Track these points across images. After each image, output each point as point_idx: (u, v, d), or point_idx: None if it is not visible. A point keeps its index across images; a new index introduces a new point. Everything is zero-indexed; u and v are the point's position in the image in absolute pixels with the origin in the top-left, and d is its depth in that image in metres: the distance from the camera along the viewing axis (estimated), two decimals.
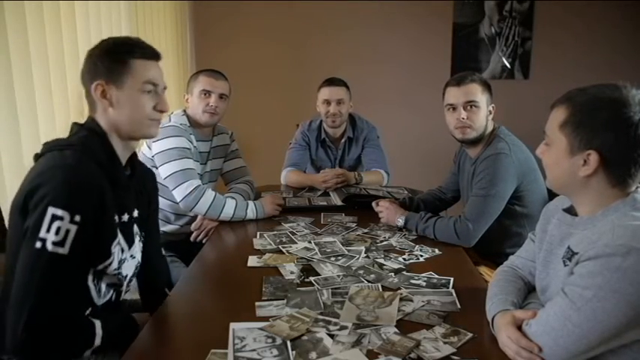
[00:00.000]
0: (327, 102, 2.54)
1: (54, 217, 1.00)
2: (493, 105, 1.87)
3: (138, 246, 1.30)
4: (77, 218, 1.02)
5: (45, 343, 1.01)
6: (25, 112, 1.62)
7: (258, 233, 1.82)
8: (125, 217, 1.21)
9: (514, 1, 3.78)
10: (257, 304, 1.26)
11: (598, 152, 1.01)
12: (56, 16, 1.81)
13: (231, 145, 2.33)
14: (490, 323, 1.13)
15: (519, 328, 1.04)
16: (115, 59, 1.17)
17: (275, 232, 1.83)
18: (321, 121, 2.68)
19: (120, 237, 1.19)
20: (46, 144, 1.16)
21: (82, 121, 1.22)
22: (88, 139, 1.15)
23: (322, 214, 2.07)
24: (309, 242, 1.72)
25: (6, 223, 1.40)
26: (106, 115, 1.18)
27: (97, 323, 1.10)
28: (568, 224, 1.11)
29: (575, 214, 1.12)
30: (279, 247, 1.68)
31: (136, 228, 1.28)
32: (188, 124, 2.07)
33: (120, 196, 1.18)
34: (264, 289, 1.35)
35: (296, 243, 1.72)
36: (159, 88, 1.23)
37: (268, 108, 3.93)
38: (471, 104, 1.82)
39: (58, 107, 1.82)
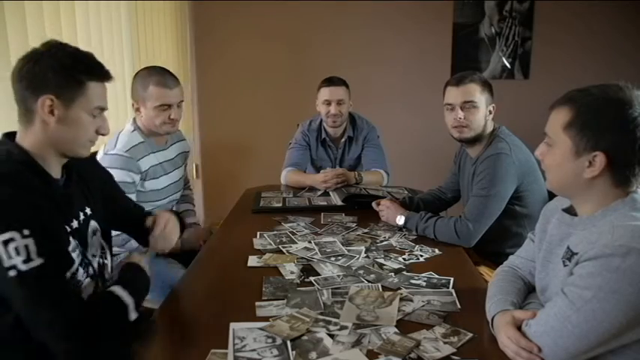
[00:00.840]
0: (328, 102, 2.54)
1: (5, 243, 0.97)
2: (493, 105, 1.87)
3: (94, 243, 1.27)
4: (26, 232, 0.98)
5: (90, 337, 1.02)
6: None
7: (258, 233, 1.82)
8: (75, 224, 1.18)
9: (514, 1, 3.77)
10: (257, 304, 1.26)
11: (605, 153, 1.00)
12: (56, 16, 1.81)
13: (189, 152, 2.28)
14: (490, 323, 1.13)
15: (519, 328, 1.04)
16: (71, 77, 1.10)
17: (275, 232, 1.83)
18: (321, 120, 2.68)
19: (74, 243, 1.15)
20: None
21: None
22: (2, 164, 1.07)
23: (322, 214, 2.07)
24: (309, 242, 1.72)
25: None
26: (44, 130, 1.11)
27: (116, 289, 1.11)
28: (567, 224, 1.11)
29: (575, 214, 1.12)
30: (279, 247, 1.68)
31: (92, 225, 1.25)
32: (141, 139, 1.93)
33: (60, 207, 1.13)
34: (264, 289, 1.35)
35: (296, 243, 1.72)
36: (104, 112, 1.20)
37: (268, 108, 3.93)
38: (468, 104, 1.82)
39: None
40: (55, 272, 1.03)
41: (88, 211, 1.24)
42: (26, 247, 0.98)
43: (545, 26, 3.78)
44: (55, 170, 1.16)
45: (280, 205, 2.20)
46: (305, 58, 3.87)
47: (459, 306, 1.26)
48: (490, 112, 1.86)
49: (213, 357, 1.03)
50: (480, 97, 1.83)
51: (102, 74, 1.16)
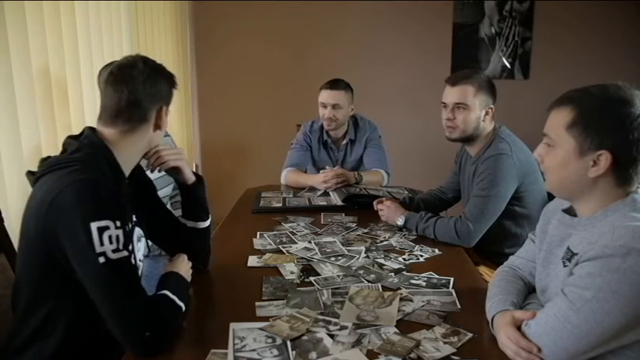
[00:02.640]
0: (324, 105, 2.54)
1: (100, 230, 1.01)
2: (492, 106, 1.86)
3: (141, 248, 1.31)
4: (118, 224, 1.04)
5: (162, 329, 1.07)
6: (24, 113, 1.62)
7: (258, 233, 1.82)
8: (129, 226, 1.21)
9: (514, 1, 3.77)
10: (257, 304, 1.26)
11: (610, 152, 1.00)
12: (56, 16, 1.81)
13: None
14: (490, 323, 1.13)
15: (519, 328, 1.04)
16: (171, 87, 1.26)
17: (275, 232, 1.83)
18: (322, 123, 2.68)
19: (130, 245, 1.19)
20: (45, 163, 1.13)
21: (75, 131, 1.22)
22: (91, 156, 1.13)
23: (322, 214, 2.07)
24: (309, 242, 1.72)
25: (5, 223, 1.41)
26: (146, 134, 1.22)
27: (167, 292, 1.15)
28: (567, 225, 1.11)
29: (575, 215, 1.12)
30: (279, 247, 1.68)
31: (137, 231, 1.29)
32: None
33: (125, 205, 1.19)
34: (264, 289, 1.35)
35: (296, 243, 1.72)
36: None
37: (268, 108, 3.93)
38: (459, 105, 1.83)
39: (57, 107, 1.82)
40: (133, 266, 1.10)
41: (134, 217, 1.27)
42: (117, 237, 1.03)
43: (545, 26, 3.78)
44: (127, 171, 1.24)
45: (280, 205, 2.20)
46: (305, 58, 3.87)
47: (458, 306, 1.26)
48: (487, 114, 1.86)
49: (213, 357, 1.03)
50: (473, 99, 1.83)
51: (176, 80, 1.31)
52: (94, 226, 1.01)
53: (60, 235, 1.04)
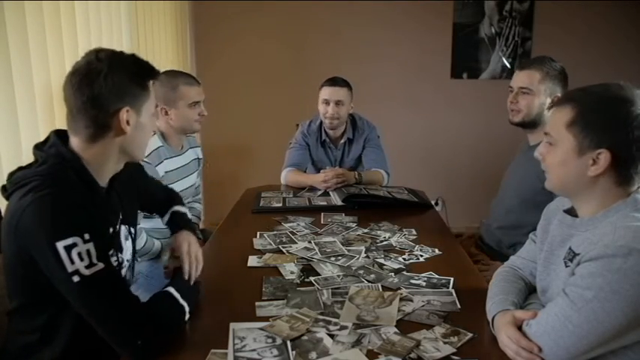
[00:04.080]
0: (327, 102, 2.53)
1: (67, 248, 0.97)
2: (559, 95, 1.82)
3: (128, 247, 1.29)
4: (87, 236, 0.99)
5: (157, 334, 1.05)
6: (24, 113, 1.62)
7: (258, 233, 1.81)
8: (111, 230, 1.19)
9: (514, 1, 3.78)
10: (257, 304, 1.26)
11: (609, 151, 1.01)
12: (56, 16, 1.81)
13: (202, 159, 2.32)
14: (490, 323, 1.13)
15: (519, 328, 1.04)
16: (139, 84, 1.11)
17: (275, 232, 1.83)
18: (321, 121, 2.68)
19: (112, 249, 1.16)
20: (10, 179, 1.08)
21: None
22: (56, 169, 1.06)
23: (322, 214, 2.07)
24: (309, 242, 1.72)
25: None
26: (114, 142, 1.11)
27: (171, 289, 1.15)
28: (569, 225, 1.11)
29: (576, 215, 1.11)
30: (279, 247, 1.68)
31: (123, 230, 1.26)
32: (160, 144, 1.99)
33: (100, 213, 1.13)
34: (264, 289, 1.35)
35: (296, 243, 1.72)
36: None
37: (268, 108, 3.93)
38: (523, 90, 1.83)
39: (58, 107, 1.82)
40: (114, 274, 1.06)
41: (120, 215, 1.24)
42: (88, 251, 0.98)
43: (545, 26, 3.78)
44: (105, 179, 1.17)
45: (280, 205, 2.20)
46: (305, 58, 3.87)
47: (458, 306, 1.26)
48: (553, 102, 1.82)
49: (213, 357, 1.03)
50: (539, 85, 1.82)
51: (157, 72, 1.16)
52: (59, 245, 0.96)
53: (34, 255, 1.01)
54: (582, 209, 1.10)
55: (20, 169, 1.10)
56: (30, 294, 1.10)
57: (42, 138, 1.69)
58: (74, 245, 0.97)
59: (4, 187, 1.11)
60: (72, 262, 0.97)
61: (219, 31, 3.82)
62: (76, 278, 0.97)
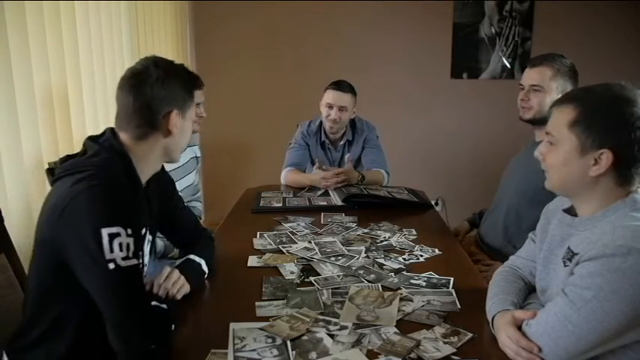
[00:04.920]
0: (330, 106, 2.53)
1: (111, 236, 1.00)
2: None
3: (146, 252, 1.31)
4: (129, 231, 1.03)
5: (152, 338, 1.06)
6: (25, 113, 1.62)
7: (258, 233, 1.81)
8: (143, 231, 1.22)
9: (514, 1, 3.77)
10: (257, 304, 1.26)
11: (612, 151, 1.00)
12: (56, 16, 1.81)
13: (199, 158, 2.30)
14: (490, 323, 1.13)
15: (519, 328, 1.04)
16: (187, 90, 1.22)
17: (275, 232, 1.83)
18: (320, 122, 2.68)
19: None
20: (63, 165, 1.13)
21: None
22: (109, 161, 1.12)
23: (322, 214, 2.07)
24: (309, 242, 1.72)
25: (5, 223, 1.41)
26: (159, 140, 1.20)
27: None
28: (568, 225, 1.11)
29: (575, 215, 1.11)
30: (279, 247, 1.68)
31: (148, 236, 1.29)
32: None
33: (139, 212, 1.18)
34: (264, 289, 1.35)
35: (296, 243, 1.72)
36: None
37: (268, 108, 3.93)
38: (535, 87, 1.83)
39: (58, 107, 1.82)
40: (140, 275, 1.09)
41: (149, 219, 1.27)
42: (128, 245, 1.02)
43: (545, 26, 3.78)
44: (144, 178, 1.23)
45: (280, 205, 2.20)
46: (305, 57, 3.87)
47: (458, 306, 1.26)
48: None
49: (213, 357, 1.03)
50: (550, 82, 1.81)
51: (200, 81, 1.28)
52: (104, 232, 1.00)
53: (70, 240, 1.03)
54: (582, 209, 1.10)
55: (69, 157, 1.16)
56: (46, 286, 1.12)
57: (42, 138, 1.71)
58: (118, 235, 1.01)
59: (51, 170, 1.15)
60: (112, 250, 1.00)
61: (219, 31, 3.82)
62: (111, 265, 1.01)
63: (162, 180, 1.40)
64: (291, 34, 3.84)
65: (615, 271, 0.92)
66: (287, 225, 1.92)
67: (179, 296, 1.28)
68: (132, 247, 1.03)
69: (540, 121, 1.86)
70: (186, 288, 1.30)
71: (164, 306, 1.14)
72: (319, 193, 2.39)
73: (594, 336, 0.94)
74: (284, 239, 1.76)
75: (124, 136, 1.18)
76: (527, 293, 1.23)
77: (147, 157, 1.20)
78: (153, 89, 1.15)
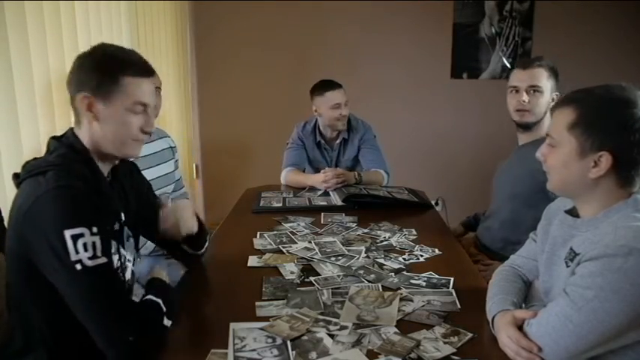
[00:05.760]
0: (338, 105, 2.53)
1: (75, 237, 1.00)
2: (557, 93, 1.83)
3: (130, 248, 1.30)
4: (94, 229, 1.03)
5: (146, 334, 1.06)
6: (25, 112, 1.62)
7: (258, 233, 1.81)
8: (117, 226, 1.20)
9: (514, 1, 3.77)
10: (257, 304, 1.26)
11: (611, 153, 1.00)
12: (56, 15, 1.81)
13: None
14: (490, 323, 1.13)
15: (520, 328, 1.03)
16: (105, 74, 1.12)
17: (275, 232, 1.83)
18: (315, 123, 2.68)
19: (115, 246, 1.17)
20: (25, 167, 1.12)
21: (60, 132, 1.20)
22: (67, 158, 1.11)
23: (322, 214, 2.07)
24: (309, 242, 1.72)
25: (5, 223, 1.41)
26: (90, 128, 1.15)
27: (152, 297, 1.14)
28: (570, 226, 1.11)
29: (577, 216, 1.11)
30: (279, 247, 1.68)
31: (126, 231, 1.27)
32: None
33: (107, 206, 1.16)
34: (264, 289, 1.34)
35: (296, 243, 1.72)
36: (148, 108, 1.18)
37: (268, 108, 3.93)
38: (534, 88, 1.80)
39: (58, 107, 1.82)
40: (113, 271, 1.08)
41: (122, 217, 1.25)
42: (93, 244, 1.02)
43: (545, 26, 3.78)
44: (105, 169, 1.20)
45: (280, 205, 2.20)
46: (305, 57, 3.87)
47: (459, 306, 1.26)
48: (553, 100, 1.83)
49: (213, 357, 1.03)
50: (546, 82, 1.81)
51: (138, 68, 1.15)
52: (67, 233, 0.99)
53: (34, 242, 1.03)
54: (584, 210, 1.09)
55: (35, 159, 1.15)
56: (23, 289, 1.11)
57: (42, 137, 1.71)
58: (81, 235, 1.00)
59: (16, 174, 1.14)
60: (77, 251, 1.00)
61: (219, 31, 3.82)
62: (78, 267, 1.00)
63: (137, 179, 1.38)
64: (291, 34, 3.84)
65: (616, 271, 0.92)
66: (287, 225, 1.92)
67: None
68: (98, 245, 1.02)
69: (533, 126, 1.86)
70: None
71: (158, 300, 1.12)
72: (319, 193, 2.39)
73: (595, 336, 0.94)
74: (284, 239, 1.76)
75: (76, 128, 1.17)
76: (527, 292, 1.23)
77: (97, 148, 1.16)
78: (72, 69, 1.13)
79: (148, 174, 1.96)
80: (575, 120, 1.04)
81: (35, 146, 1.68)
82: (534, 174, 1.75)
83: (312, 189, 2.45)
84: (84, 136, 1.16)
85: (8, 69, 1.54)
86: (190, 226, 1.40)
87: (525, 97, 1.81)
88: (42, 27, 1.71)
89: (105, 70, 1.12)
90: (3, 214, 1.41)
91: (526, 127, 1.88)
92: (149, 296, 1.14)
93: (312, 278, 1.41)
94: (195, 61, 3.84)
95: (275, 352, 1.04)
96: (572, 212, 1.13)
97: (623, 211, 1.02)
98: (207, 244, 1.57)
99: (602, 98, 1.04)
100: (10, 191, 1.54)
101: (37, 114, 1.69)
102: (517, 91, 1.84)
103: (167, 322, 1.12)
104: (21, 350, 1.13)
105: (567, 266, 1.05)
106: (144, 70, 1.17)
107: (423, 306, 1.25)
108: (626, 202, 1.03)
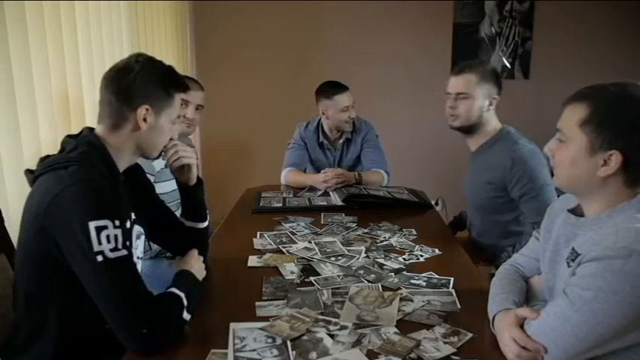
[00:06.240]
0: (346, 108, 2.53)
1: (98, 229, 1.02)
2: (496, 96, 1.87)
3: (140, 246, 1.32)
4: (117, 223, 1.05)
5: (162, 327, 1.07)
6: (25, 113, 1.62)
7: (258, 233, 1.81)
8: (128, 224, 1.22)
9: (514, 1, 3.77)
10: (257, 304, 1.26)
11: (621, 152, 0.99)
12: (56, 16, 1.81)
13: None
14: (490, 322, 1.12)
15: (522, 326, 1.03)
16: (164, 90, 1.22)
17: (275, 232, 1.83)
18: (318, 123, 2.68)
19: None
20: (43, 162, 1.14)
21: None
22: (88, 155, 1.14)
23: (322, 214, 2.07)
24: (309, 242, 1.72)
25: (6, 224, 1.41)
26: (132, 134, 1.20)
27: (174, 290, 1.16)
28: (573, 225, 1.10)
29: (580, 215, 1.10)
30: (279, 247, 1.68)
31: (136, 229, 1.29)
32: None
33: (124, 203, 1.20)
34: (264, 289, 1.35)
35: (296, 243, 1.72)
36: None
37: (268, 108, 3.93)
38: (461, 95, 1.85)
39: (58, 107, 1.82)
40: (133, 264, 1.10)
41: (132, 215, 1.27)
42: (115, 236, 1.04)
43: (545, 26, 3.78)
44: (121, 168, 1.24)
45: (280, 205, 2.20)
46: (305, 58, 3.87)
47: (458, 306, 1.26)
48: (491, 104, 1.85)
49: (213, 357, 1.03)
50: (476, 88, 1.83)
51: (183, 87, 1.28)
52: (92, 225, 1.02)
53: (58, 233, 1.05)
54: (588, 208, 1.08)
55: (48, 156, 1.17)
56: (35, 282, 1.13)
57: (42, 138, 1.71)
58: (105, 227, 1.03)
59: (29, 170, 1.16)
60: (99, 242, 1.02)
61: (219, 30, 3.82)
62: (99, 258, 1.02)
63: (139, 177, 1.41)
64: (292, 34, 3.84)
65: (616, 273, 0.91)
66: (287, 225, 1.92)
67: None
68: (120, 238, 1.05)
69: (468, 130, 1.89)
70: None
71: (180, 293, 1.14)
72: (319, 193, 2.39)
73: (593, 337, 0.93)
74: (284, 239, 1.76)
75: (99, 128, 1.20)
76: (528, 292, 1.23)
77: (121, 149, 1.21)
78: (128, 81, 1.17)
79: (166, 186, 1.98)
80: (588, 117, 1.02)
81: (36, 148, 1.69)
82: (483, 186, 1.82)
83: (312, 189, 2.45)
84: (112, 136, 1.20)
85: (8, 69, 1.54)
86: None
87: (452, 103, 1.88)
88: (42, 27, 1.71)
89: (166, 87, 1.22)
90: (3, 215, 1.41)
91: (465, 131, 1.92)
92: (172, 289, 1.16)
93: (312, 278, 1.41)
94: (195, 61, 3.84)
95: (275, 352, 1.04)
96: (576, 211, 1.13)
97: (627, 212, 1.01)
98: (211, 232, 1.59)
99: (616, 96, 1.02)
100: (11, 191, 1.55)
101: (37, 115, 1.69)
102: (449, 97, 1.91)
103: (186, 316, 1.13)
104: (24, 344, 1.14)
105: (568, 266, 1.05)
106: (186, 87, 1.30)
107: (423, 306, 1.25)
108: (630, 203, 1.02)
